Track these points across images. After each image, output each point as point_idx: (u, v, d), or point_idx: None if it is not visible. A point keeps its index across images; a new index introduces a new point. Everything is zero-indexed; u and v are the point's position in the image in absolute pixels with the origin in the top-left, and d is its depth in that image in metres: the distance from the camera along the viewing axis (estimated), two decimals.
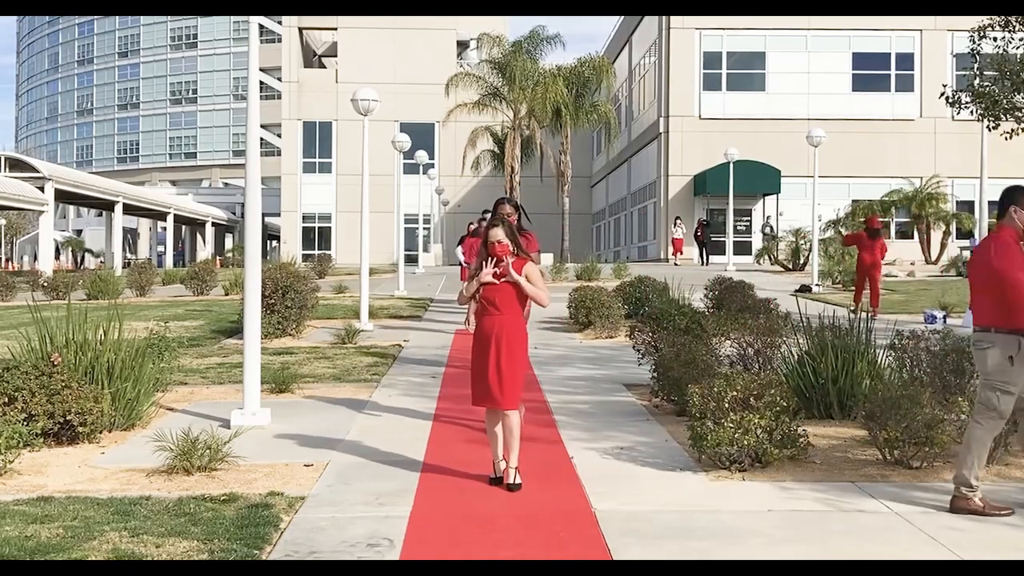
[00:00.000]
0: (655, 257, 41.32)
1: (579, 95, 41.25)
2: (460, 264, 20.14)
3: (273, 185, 58.64)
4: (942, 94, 17.15)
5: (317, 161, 52.48)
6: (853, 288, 19.14)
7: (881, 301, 19.00)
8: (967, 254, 29.96)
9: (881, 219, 36.21)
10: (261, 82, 9.62)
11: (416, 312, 19.60)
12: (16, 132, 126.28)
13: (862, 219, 27.49)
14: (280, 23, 58.50)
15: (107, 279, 25.18)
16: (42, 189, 44.80)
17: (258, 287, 8.72)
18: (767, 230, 37.34)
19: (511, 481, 6.18)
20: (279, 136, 60.51)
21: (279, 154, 59.97)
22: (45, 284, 25.69)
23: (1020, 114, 16.03)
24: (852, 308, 16.32)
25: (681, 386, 8.24)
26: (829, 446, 7.37)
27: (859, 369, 8.33)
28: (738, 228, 38.65)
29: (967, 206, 36.95)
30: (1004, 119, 16.18)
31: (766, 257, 32.49)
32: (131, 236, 77.64)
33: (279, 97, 57.78)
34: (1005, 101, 15.90)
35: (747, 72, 41.11)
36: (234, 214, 75.90)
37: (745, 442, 6.46)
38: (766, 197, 40.60)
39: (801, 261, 30.58)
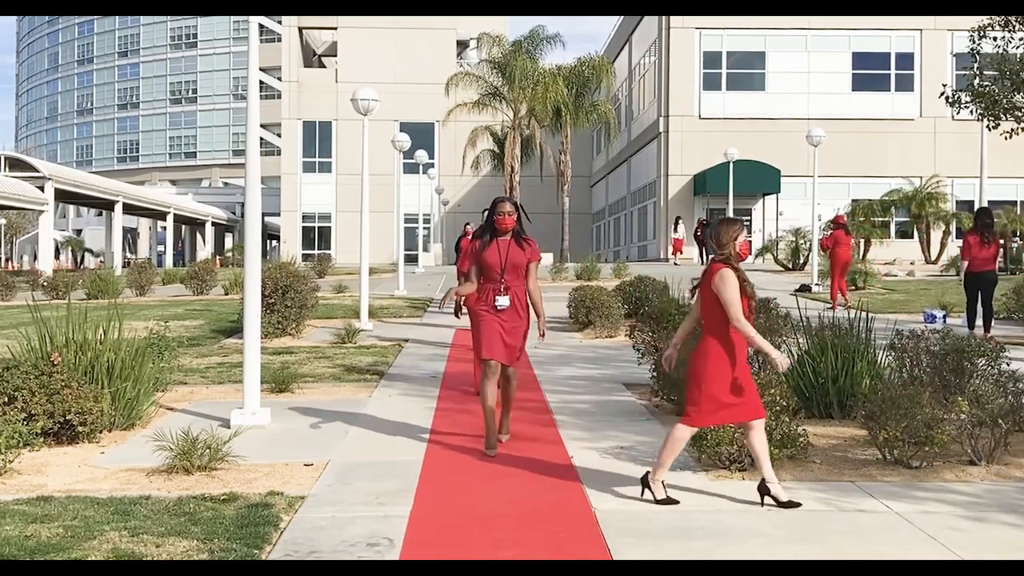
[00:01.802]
0: (655, 257, 41.32)
1: (579, 95, 41.27)
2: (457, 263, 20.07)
3: (273, 185, 58.63)
4: (942, 94, 17.17)
5: (317, 161, 52.49)
6: (837, 287, 19.26)
7: (881, 301, 19.05)
8: None
9: (881, 219, 36.49)
10: (261, 82, 9.62)
11: (416, 312, 19.60)
12: (16, 132, 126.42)
13: (830, 221, 27.75)
14: (280, 23, 58.51)
15: (107, 279, 25.21)
16: (42, 189, 44.82)
17: (258, 287, 8.72)
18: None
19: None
20: (279, 136, 60.52)
21: (279, 154, 59.97)
22: (45, 284, 25.71)
23: (1020, 114, 16.05)
24: (847, 304, 16.52)
25: (681, 386, 8.23)
26: (829, 446, 7.37)
27: (859, 369, 8.33)
28: None
29: (967, 206, 36.95)
30: (1004, 119, 16.21)
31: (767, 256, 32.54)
32: (131, 236, 77.66)
33: (279, 97, 57.78)
34: (1005, 101, 15.93)
35: (747, 72, 41.12)
36: (234, 214, 75.91)
37: (745, 442, 6.45)
38: (766, 197, 40.61)
39: (801, 261, 30.60)
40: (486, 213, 7.55)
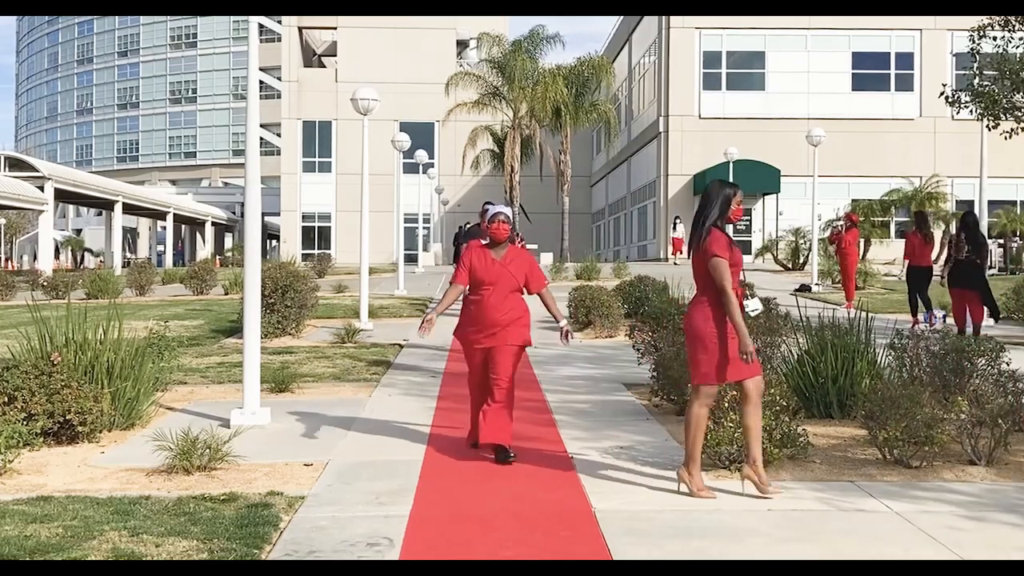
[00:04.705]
0: (655, 256, 41.32)
1: (579, 94, 41.27)
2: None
3: (273, 184, 58.62)
4: (942, 93, 17.18)
5: (317, 160, 52.48)
6: (844, 286, 19.51)
7: (881, 301, 19.11)
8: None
9: (881, 219, 36.52)
10: (261, 81, 9.62)
11: (416, 311, 19.59)
12: (16, 131, 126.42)
13: (833, 221, 27.87)
14: (280, 23, 58.50)
15: (107, 278, 25.19)
16: (42, 188, 44.82)
17: (258, 286, 8.72)
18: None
19: None
20: (279, 136, 60.52)
21: (279, 153, 59.96)
22: (45, 283, 25.70)
23: (1020, 113, 16.05)
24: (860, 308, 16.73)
25: (681, 385, 8.24)
26: (829, 445, 7.37)
27: (859, 368, 8.32)
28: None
29: (967, 205, 36.89)
30: (1004, 118, 16.22)
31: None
32: (131, 236, 77.67)
33: (279, 96, 57.77)
34: (1005, 100, 15.94)
35: (747, 71, 41.13)
36: (234, 213, 75.91)
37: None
38: (766, 197, 40.62)
39: (801, 260, 30.60)
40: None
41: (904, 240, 16.86)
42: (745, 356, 5.70)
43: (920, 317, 15.91)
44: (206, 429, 7.05)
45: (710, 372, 5.84)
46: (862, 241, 33.08)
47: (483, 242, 7.20)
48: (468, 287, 7.09)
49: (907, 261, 16.18)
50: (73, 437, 7.51)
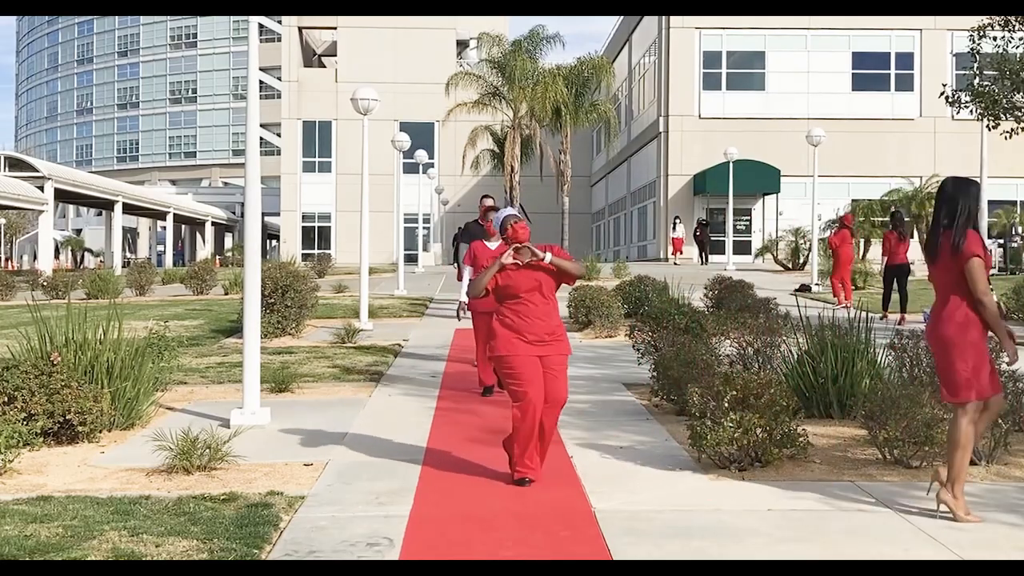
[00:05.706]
0: (655, 256, 41.33)
1: (579, 94, 41.22)
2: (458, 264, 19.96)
3: (273, 185, 58.62)
4: (942, 93, 17.20)
5: (317, 160, 52.47)
6: (847, 286, 19.59)
7: (881, 301, 19.12)
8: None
9: (881, 219, 36.51)
10: (261, 81, 9.63)
11: (416, 311, 19.60)
12: (16, 131, 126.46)
13: (832, 221, 27.99)
14: (280, 23, 58.50)
15: (107, 278, 25.17)
16: (42, 188, 44.82)
17: (258, 286, 8.72)
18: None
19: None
20: (279, 136, 60.52)
21: (279, 153, 59.96)
22: (45, 283, 25.68)
23: (1020, 113, 16.07)
24: (847, 305, 17.21)
25: (681, 385, 8.24)
26: (829, 445, 7.37)
27: (859, 368, 8.32)
28: (738, 228, 38.66)
29: None
30: (1004, 118, 16.24)
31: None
32: (131, 235, 77.68)
33: (279, 96, 57.77)
34: (1005, 100, 15.96)
35: (747, 71, 41.13)
36: (234, 213, 75.93)
37: (745, 441, 6.45)
38: (766, 197, 40.62)
39: (801, 260, 30.60)
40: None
41: (882, 239, 17.62)
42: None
43: (905, 314, 16.61)
44: (206, 429, 7.04)
45: (982, 384, 5.43)
46: (862, 241, 33.10)
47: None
48: (497, 298, 6.36)
49: (885, 259, 16.93)
50: (73, 437, 7.51)
